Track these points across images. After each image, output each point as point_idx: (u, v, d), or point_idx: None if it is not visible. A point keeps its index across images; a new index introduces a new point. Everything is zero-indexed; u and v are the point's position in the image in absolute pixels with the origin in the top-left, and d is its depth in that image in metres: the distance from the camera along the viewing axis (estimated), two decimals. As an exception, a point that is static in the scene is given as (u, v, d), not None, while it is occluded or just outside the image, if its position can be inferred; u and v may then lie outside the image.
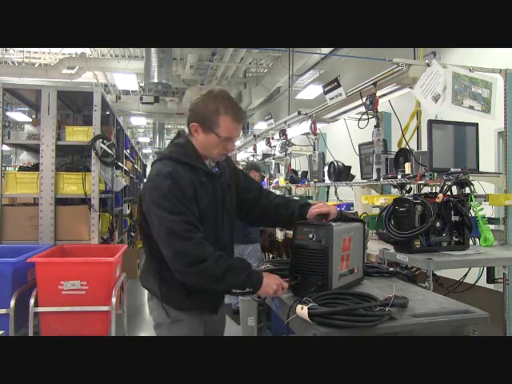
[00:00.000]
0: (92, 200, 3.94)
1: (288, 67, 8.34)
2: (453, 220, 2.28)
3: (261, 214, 1.85)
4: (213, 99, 1.58)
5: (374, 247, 2.61)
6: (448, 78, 2.64)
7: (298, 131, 5.02)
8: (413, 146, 3.33)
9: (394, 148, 3.55)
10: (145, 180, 1.76)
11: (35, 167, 4.26)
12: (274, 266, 1.84)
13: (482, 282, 2.58)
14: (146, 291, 1.72)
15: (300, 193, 5.46)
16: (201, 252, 1.46)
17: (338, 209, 1.88)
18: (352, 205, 4.00)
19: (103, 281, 3.16)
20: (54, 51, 10.84)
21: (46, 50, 10.77)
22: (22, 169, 4.46)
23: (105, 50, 10.56)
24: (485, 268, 2.53)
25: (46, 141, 3.91)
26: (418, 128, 3.53)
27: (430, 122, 2.60)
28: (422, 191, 3.18)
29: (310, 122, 4.29)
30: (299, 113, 4.53)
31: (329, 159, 4.54)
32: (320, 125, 4.36)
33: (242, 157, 8.12)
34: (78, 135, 4.02)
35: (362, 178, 3.80)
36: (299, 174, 5.82)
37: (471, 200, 2.41)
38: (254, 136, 6.50)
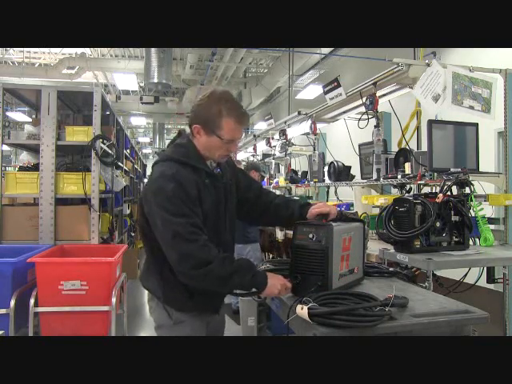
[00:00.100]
0: (92, 200, 3.94)
1: (288, 67, 8.34)
2: (453, 220, 2.28)
3: (261, 213, 1.85)
4: (215, 101, 1.56)
5: (374, 247, 2.61)
6: (448, 78, 2.64)
7: (298, 131, 5.02)
8: (413, 146, 3.33)
9: (394, 148, 3.55)
10: (145, 180, 1.75)
11: (35, 167, 4.26)
12: (274, 266, 1.84)
13: (482, 282, 2.58)
14: (147, 291, 1.72)
15: (300, 193, 5.46)
16: (206, 254, 1.45)
17: (338, 209, 1.88)
18: (352, 205, 4.00)
19: (103, 281, 3.16)
20: (54, 51, 10.84)
21: (46, 50, 10.78)
22: (21, 169, 4.46)
23: (105, 50, 10.56)
24: (485, 268, 2.53)
25: (46, 141, 3.91)
26: (418, 128, 3.53)
27: (430, 122, 2.60)
28: (422, 191, 3.18)
29: (310, 122, 4.29)
30: (299, 113, 4.54)
31: (329, 159, 4.54)
32: (320, 125, 4.36)
33: (242, 157, 8.12)
34: (77, 135, 4.02)
35: (362, 178, 3.80)
36: (299, 173, 5.82)
37: (471, 200, 2.41)
38: (254, 136, 6.50)
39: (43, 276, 3.11)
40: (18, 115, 10.24)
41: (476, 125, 2.73)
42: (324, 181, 4.38)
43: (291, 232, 1.69)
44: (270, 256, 5.29)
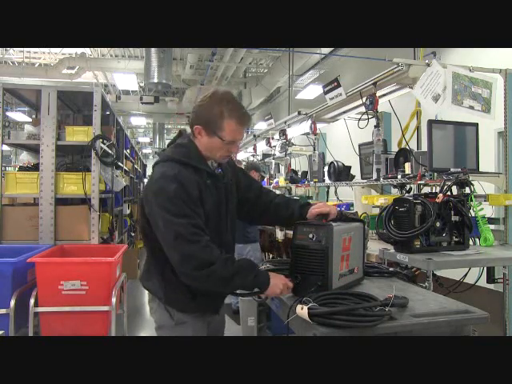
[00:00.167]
0: (92, 200, 3.94)
1: (288, 67, 8.34)
2: (453, 220, 2.28)
3: (261, 213, 1.85)
4: (217, 102, 1.55)
5: (374, 247, 2.61)
6: (448, 78, 2.64)
7: (298, 131, 5.02)
8: (413, 146, 3.33)
9: (394, 148, 3.55)
10: (145, 180, 1.75)
11: (35, 167, 4.26)
12: (274, 266, 1.84)
13: (482, 282, 2.58)
14: (147, 292, 1.71)
15: (300, 193, 5.46)
16: (208, 255, 1.45)
17: (338, 209, 1.88)
18: (352, 205, 4.00)
19: (103, 281, 3.16)
20: (54, 51, 10.83)
21: (46, 50, 10.77)
22: (21, 169, 4.46)
23: (105, 50, 10.55)
24: (485, 268, 2.53)
25: (46, 141, 3.91)
26: (418, 128, 3.53)
27: (430, 122, 2.60)
28: (422, 191, 3.18)
29: (310, 122, 4.29)
30: (299, 113, 4.54)
31: (329, 159, 4.54)
32: (320, 125, 4.36)
33: (242, 157, 8.12)
34: (78, 135, 4.02)
35: (362, 178, 3.80)
36: (299, 174, 5.82)
37: (471, 200, 2.41)
38: (254, 136, 6.49)
39: (43, 276, 3.11)
40: (18, 115, 10.24)
41: (476, 125, 2.73)
42: (324, 181, 4.38)
43: (291, 232, 1.69)
44: (270, 256, 5.29)
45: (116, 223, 5.02)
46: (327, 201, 4.44)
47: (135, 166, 8.05)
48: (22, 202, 4.68)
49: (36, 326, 3.15)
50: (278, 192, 4.61)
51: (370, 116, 3.07)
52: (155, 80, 8.70)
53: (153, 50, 8.49)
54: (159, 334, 1.67)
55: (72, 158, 4.77)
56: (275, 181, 5.92)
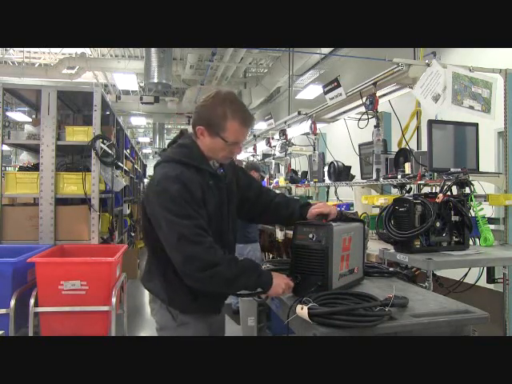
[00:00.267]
0: (92, 200, 3.94)
1: (288, 67, 8.34)
2: (453, 220, 2.28)
3: (261, 211, 1.84)
4: (220, 102, 1.54)
5: (374, 247, 2.61)
6: (448, 78, 2.64)
7: (298, 131, 5.02)
8: (413, 146, 3.33)
9: (394, 148, 3.55)
10: (145, 180, 1.74)
11: (35, 167, 4.26)
12: (274, 266, 1.84)
13: (482, 282, 2.58)
14: (147, 292, 1.71)
15: (300, 193, 5.46)
16: (212, 256, 1.44)
17: (338, 209, 1.88)
18: (352, 205, 4.01)
19: (103, 281, 3.16)
20: (54, 51, 10.83)
21: (46, 50, 10.77)
22: (21, 169, 4.46)
23: (105, 50, 10.55)
24: (485, 268, 2.53)
25: (46, 141, 3.91)
26: (418, 128, 3.53)
27: (430, 122, 2.60)
28: (422, 191, 3.18)
29: (309, 122, 4.30)
30: (299, 113, 4.54)
31: (329, 159, 4.54)
32: (320, 125, 4.36)
33: (242, 157, 8.12)
34: (77, 135, 4.02)
35: (362, 178, 3.80)
36: (299, 174, 5.82)
37: (471, 200, 2.41)
38: (254, 136, 6.50)
39: (43, 276, 3.11)
40: (18, 115, 10.23)
41: (476, 125, 2.73)
42: (324, 181, 4.38)
43: (291, 232, 1.69)
44: (270, 256, 5.30)
45: (116, 223, 5.02)
46: (327, 201, 4.44)
47: (135, 166, 8.06)
48: (22, 202, 4.68)
49: (36, 326, 3.15)
50: (277, 192, 4.61)
51: (370, 116, 3.07)
52: (155, 80, 8.70)
53: (153, 50, 8.49)
54: (161, 335, 1.67)
55: (72, 158, 4.77)
56: (275, 181, 5.92)
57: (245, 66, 11.01)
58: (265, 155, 6.95)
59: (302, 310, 1.25)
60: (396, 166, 3.16)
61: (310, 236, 1.51)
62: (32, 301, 3.06)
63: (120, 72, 9.70)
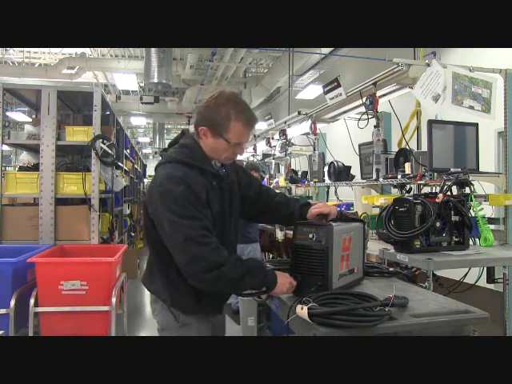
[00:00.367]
0: (92, 200, 3.94)
1: (288, 67, 8.34)
2: (453, 220, 2.28)
3: (262, 210, 1.84)
4: (224, 103, 1.53)
5: (374, 247, 2.61)
6: (448, 78, 2.64)
7: (298, 131, 5.02)
8: (413, 146, 3.33)
9: (394, 148, 3.55)
10: (145, 180, 1.73)
11: (35, 167, 4.26)
12: (274, 266, 1.84)
13: (482, 282, 2.58)
14: (147, 292, 1.70)
15: (300, 193, 5.46)
16: (218, 257, 1.44)
17: (338, 209, 1.88)
18: (352, 205, 4.01)
19: (103, 281, 3.16)
20: (54, 51, 10.83)
21: (46, 50, 10.76)
22: (21, 169, 4.46)
23: (105, 50, 10.55)
24: (485, 268, 2.53)
25: (46, 141, 3.91)
26: (418, 128, 3.53)
27: (430, 122, 2.60)
28: (422, 191, 3.18)
29: (309, 122, 4.30)
30: (299, 113, 4.54)
31: (329, 159, 4.54)
32: (320, 125, 4.36)
33: (242, 157, 8.12)
34: (77, 135, 4.02)
35: (362, 178, 3.80)
36: (299, 174, 5.82)
37: (471, 200, 2.41)
38: (254, 136, 6.49)
39: (43, 276, 3.11)
40: (18, 115, 10.23)
41: (476, 125, 2.73)
42: (324, 181, 4.38)
43: (291, 232, 1.69)
44: (270, 256, 5.30)
45: (116, 223, 5.02)
46: (327, 201, 4.44)
47: (135, 166, 8.06)
48: (22, 202, 4.68)
49: (36, 326, 3.15)
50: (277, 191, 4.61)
51: (369, 116, 3.07)
52: (155, 80, 8.69)
53: (153, 50, 8.49)
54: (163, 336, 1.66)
55: (72, 158, 4.77)
56: (275, 181, 5.92)
57: (245, 65, 11.01)
58: (265, 155, 6.95)
59: (302, 310, 1.25)
60: (396, 165, 3.16)
61: (310, 236, 1.51)
62: (32, 301, 3.05)
63: (120, 72, 9.69)
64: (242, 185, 1.79)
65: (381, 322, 1.24)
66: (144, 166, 11.46)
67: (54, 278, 3.10)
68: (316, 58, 9.22)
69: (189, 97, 12.05)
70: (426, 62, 2.66)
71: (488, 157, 4.47)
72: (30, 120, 6.00)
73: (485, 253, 2.28)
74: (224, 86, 11.22)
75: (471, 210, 2.41)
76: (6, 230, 3.88)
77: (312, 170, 4.57)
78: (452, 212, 2.29)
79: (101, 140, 4.01)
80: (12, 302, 2.99)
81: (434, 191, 2.82)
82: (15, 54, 10.84)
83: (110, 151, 4.15)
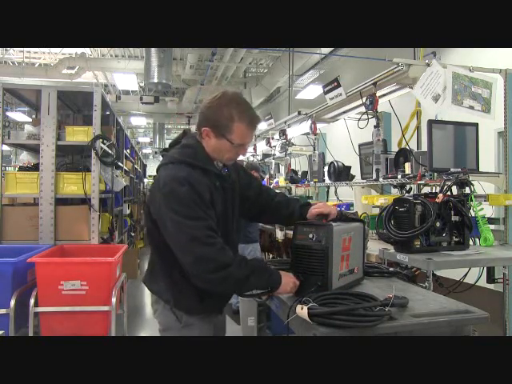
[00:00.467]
0: (92, 200, 3.94)
1: (288, 67, 8.34)
2: (453, 220, 2.28)
3: (262, 210, 1.84)
4: (226, 104, 1.52)
5: (374, 247, 2.61)
6: (448, 78, 2.64)
7: (298, 131, 5.02)
8: (413, 146, 3.33)
9: (394, 148, 3.55)
10: (145, 180, 1.73)
11: (35, 167, 4.26)
12: (274, 266, 1.84)
13: (482, 282, 2.58)
14: (147, 292, 1.70)
15: (300, 193, 5.46)
16: (225, 257, 1.43)
17: (338, 209, 1.88)
18: (352, 205, 4.01)
19: (103, 281, 3.16)
20: (54, 51, 10.82)
21: (46, 50, 10.76)
22: (21, 169, 4.46)
23: (105, 50, 10.55)
24: (485, 268, 2.53)
25: (46, 141, 3.91)
26: (418, 128, 3.53)
27: (430, 122, 2.60)
28: (422, 191, 3.18)
29: (310, 121, 4.30)
30: (299, 113, 4.54)
31: (329, 159, 4.54)
32: (320, 125, 4.36)
33: (242, 157, 8.12)
34: (77, 135, 4.02)
35: (362, 178, 3.80)
36: (299, 174, 5.82)
37: (471, 200, 2.41)
38: (254, 136, 6.49)
39: (43, 276, 3.11)
40: (18, 115, 10.23)
41: (476, 125, 2.73)
42: (324, 181, 4.38)
43: (291, 232, 1.69)
44: (270, 256, 5.30)
45: (116, 223, 5.02)
46: (327, 201, 4.44)
47: (135, 166, 8.06)
48: (22, 202, 4.68)
49: (36, 326, 3.15)
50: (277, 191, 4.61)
51: (369, 116, 3.07)
52: (155, 80, 8.69)
53: (153, 50, 8.49)
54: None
55: (72, 158, 4.77)
56: (275, 181, 5.92)
57: (245, 65, 11.01)
58: (265, 155, 6.95)
59: (302, 310, 1.25)
60: (396, 166, 3.16)
61: (310, 236, 1.51)
62: (32, 301, 3.05)
63: (120, 72, 9.69)
64: (243, 184, 1.79)
65: (381, 321, 1.24)
66: (144, 166, 11.46)
67: (53, 277, 3.10)
68: (316, 57, 9.22)
69: (189, 97, 12.05)
70: (426, 61, 2.66)
71: (488, 157, 4.47)
72: (30, 120, 6.00)
73: (485, 253, 2.28)
74: (224, 86, 11.22)
75: (471, 210, 2.41)
76: (5, 230, 3.88)
77: (312, 170, 4.57)
78: (452, 212, 2.29)
79: (101, 140, 4.01)
80: (12, 302, 2.99)
81: (433, 191, 2.82)
82: (15, 53, 10.84)
83: (110, 151, 4.15)
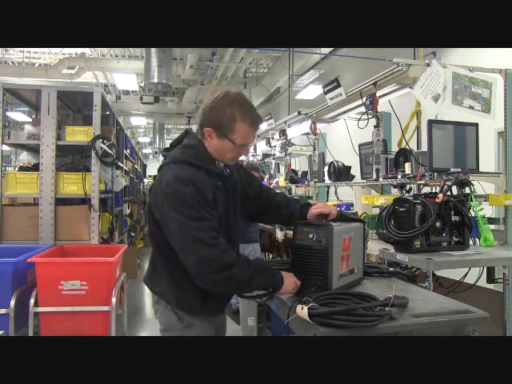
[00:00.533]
0: (92, 200, 3.94)
1: (288, 67, 8.34)
2: (453, 220, 2.28)
3: (262, 210, 1.84)
4: (229, 104, 1.52)
5: (374, 247, 2.61)
6: (448, 78, 2.64)
7: (298, 131, 5.02)
8: (413, 146, 3.33)
9: (394, 148, 3.55)
10: (145, 180, 1.73)
11: (35, 167, 4.26)
12: (274, 266, 1.84)
13: (482, 282, 2.58)
14: (147, 292, 1.71)
15: (300, 193, 5.46)
16: (229, 258, 1.43)
17: (338, 209, 1.88)
18: (352, 205, 4.01)
19: (103, 281, 3.16)
20: (54, 51, 10.82)
21: (46, 50, 10.76)
22: (21, 169, 4.46)
23: (105, 50, 10.54)
24: (485, 268, 2.53)
25: (46, 141, 3.91)
26: (418, 128, 3.53)
27: (430, 122, 2.60)
28: (422, 191, 3.18)
29: (310, 121, 4.30)
30: (299, 113, 4.54)
31: (329, 159, 4.54)
32: (320, 125, 4.36)
33: (241, 157, 8.11)
34: (77, 135, 4.02)
35: (362, 178, 3.80)
36: (299, 174, 5.82)
37: (471, 200, 2.41)
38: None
39: (43, 276, 3.11)
40: (18, 115, 10.23)
41: (476, 125, 2.73)
42: (324, 181, 4.38)
43: (291, 232, 1.69)
44: (270, 256, 5.30)
45: (116, 223, 5.02)
46: (327, 201, 4.44)
47: (135, 166, 8.06)
48: (22, 202, 4.68)
49: (36, 326, 3.15)
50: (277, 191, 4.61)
51: (369, 116, 3.07)
52: (155, 80, 8.68)
53: (153, 50, 8.48)
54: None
55: (72, 158, 4.77)
56: (275, 181, 5.92)
57: (245, 65, 11.00)
58: (265, 155, 6.95)
59: (302, 310, 1.25)
60: (396, 166, 3.16)
61: (310, 236, 1.51)
62: (32, 301, 3.05)
63: (120, 72, 9.69)
64: (243, 184, 1.79)
65: (381, 321, 1.25)
66: (144, 166, 11.46)
67: (53, 278, 3.10)
68: (316, 57, 9.22)
69: (189, 97, 12.05)
70: (426, 61, 2.66)
71: (488, 157, 4.47)
72: (30, 120, 6.00)
73: (485, 253, 2.28)
74: (224, 86, 11.22)
75: (471, 210, 2.41)
76: (6, 230, 3.88)
77: (312, 170, 4.57)
78: (452, 212, 2.29)
79: (101, 140, 4.01)
80: (12, 302, 2.99)
81: (433, 191, 2.82)
82: (15, 53, 10.83)
83: (110, 151, 4.15)
